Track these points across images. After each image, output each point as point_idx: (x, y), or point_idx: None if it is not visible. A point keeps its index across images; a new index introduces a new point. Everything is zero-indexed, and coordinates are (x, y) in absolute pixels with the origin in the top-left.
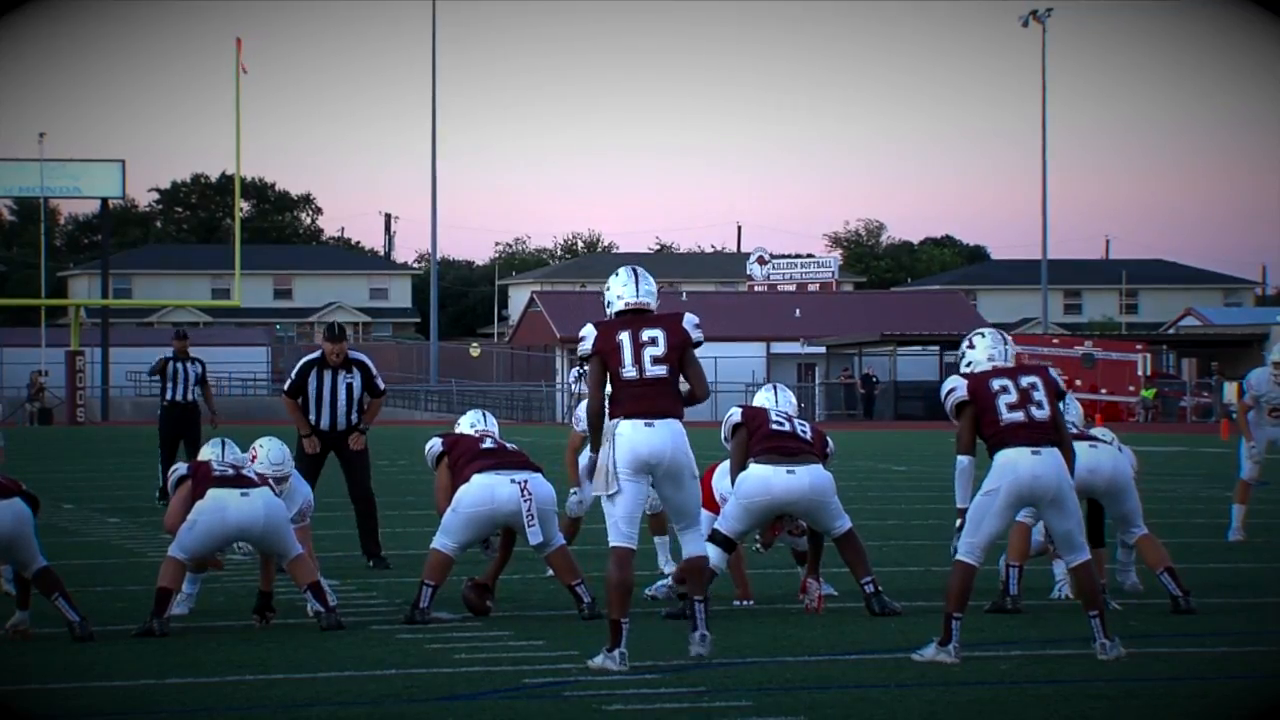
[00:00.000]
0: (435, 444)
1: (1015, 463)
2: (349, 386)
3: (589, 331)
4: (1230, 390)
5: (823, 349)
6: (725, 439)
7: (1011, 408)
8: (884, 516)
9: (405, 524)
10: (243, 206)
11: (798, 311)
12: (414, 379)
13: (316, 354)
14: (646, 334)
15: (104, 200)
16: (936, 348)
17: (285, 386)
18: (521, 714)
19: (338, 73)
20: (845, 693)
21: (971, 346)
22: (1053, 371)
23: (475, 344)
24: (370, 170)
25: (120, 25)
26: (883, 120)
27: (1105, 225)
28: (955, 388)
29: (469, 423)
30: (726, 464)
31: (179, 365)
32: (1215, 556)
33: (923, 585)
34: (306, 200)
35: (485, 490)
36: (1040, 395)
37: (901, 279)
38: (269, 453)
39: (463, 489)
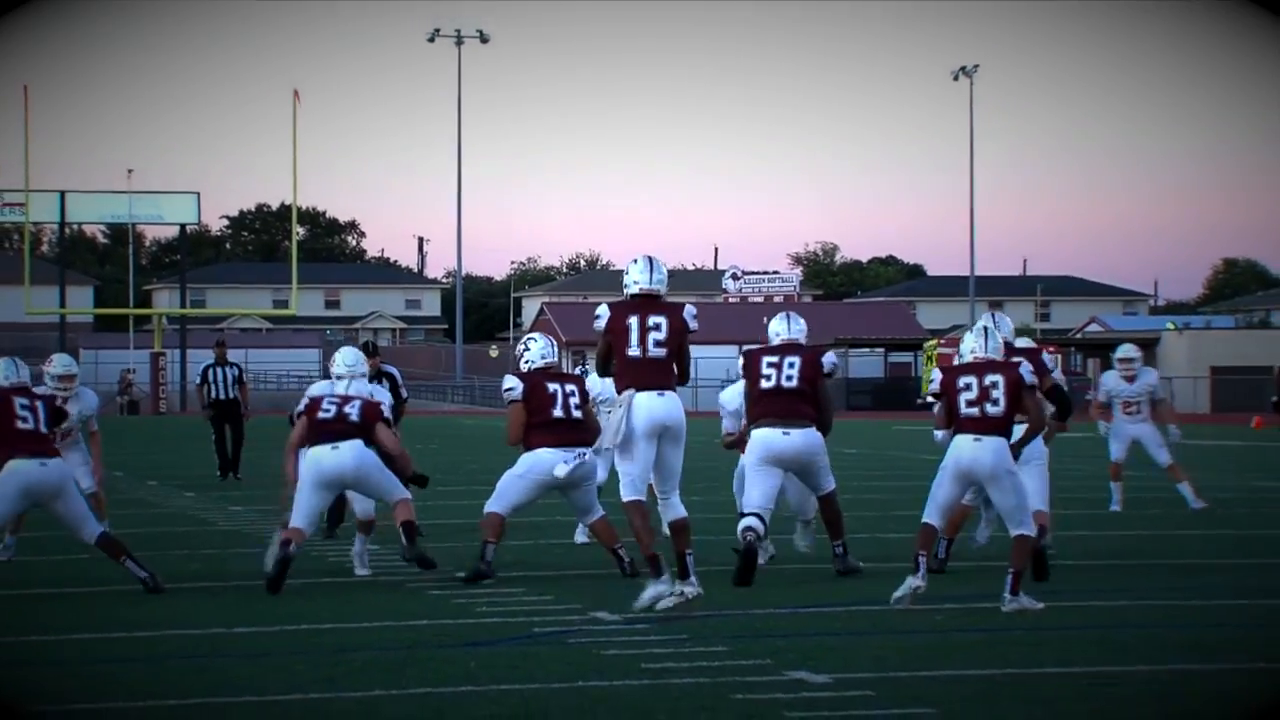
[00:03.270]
0: (516, 389)
1: (960, 447)
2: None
3: (604, 310)
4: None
5: None
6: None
7: (969, 404)
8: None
9: (436, 498)
10: (299, 231)
11: (765, 319)
12: (442, 376)
13: None
14: (652, 319)
15: (182, 226)
16: (882, 349)
17: None
18: (532, 658)
19: (380, 118)
20: (806, 640)
21: (961, 341)
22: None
23: (494, 346)
24: (406, 200)
25: (197, 78)
26: (839, 158)
27: (1023, 246)
28: (934, 381)
29: (539, 353)
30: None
31: (219, 370)
32: (1110, 525)
33: (869, 551)
34: (352, 225)
35: (545, 463)
36: (998, 394)
37: (852, 291)
38: (344, 356)
39: (527, 457)
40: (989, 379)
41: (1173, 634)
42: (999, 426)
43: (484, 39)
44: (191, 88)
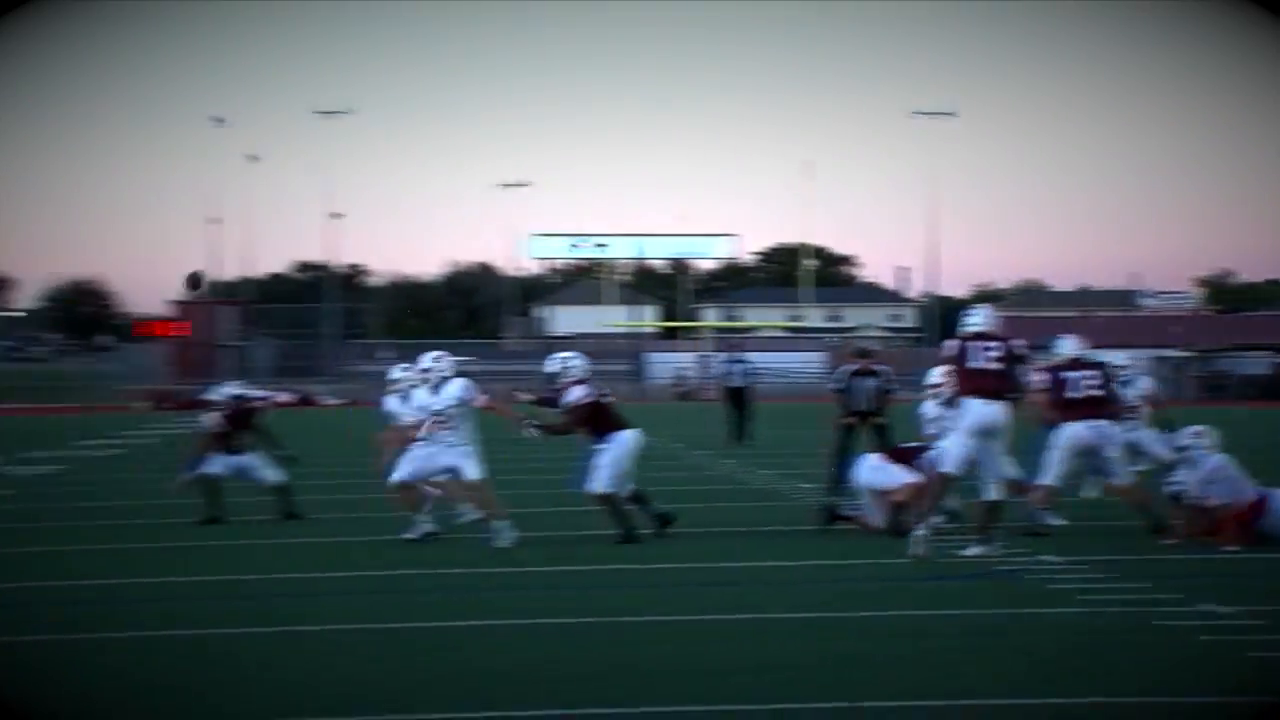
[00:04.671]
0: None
1: None
2: (872, 386)
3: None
4: None
5: (1192, 353)
6: None
7: None
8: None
9: None
10: (811, 263)
11: (1175, 328)
12: (917, 373)
13: (854, 365)
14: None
15: (724, 260)
16: (1270, 352)
17: (836, 386)
18: (988, 590)
19: (875, 183)
20: (1214, 579)
21: None
22: None
23: None
24: (891, 239)
25: (733, 156)
26: (1237, 198)
27: None
28: None
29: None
30: None
31: (732, 363)
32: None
33: None
34: (849, 259)
35: (1065, 432)
36: None
37: (1250, 306)
38: None
39: (1057, 433)
40: None
41: None
42: None
43: (953, 115)
44: (732, 162)
